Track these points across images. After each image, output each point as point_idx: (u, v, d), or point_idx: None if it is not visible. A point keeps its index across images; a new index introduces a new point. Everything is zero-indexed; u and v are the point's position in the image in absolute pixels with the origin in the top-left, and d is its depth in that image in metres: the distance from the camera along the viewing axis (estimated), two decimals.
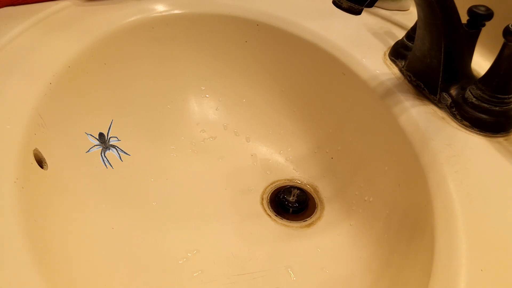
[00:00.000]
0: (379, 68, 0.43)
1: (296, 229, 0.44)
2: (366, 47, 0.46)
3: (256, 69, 0.53)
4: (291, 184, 0.49)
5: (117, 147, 0.44)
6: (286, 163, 0.51)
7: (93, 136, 0.41)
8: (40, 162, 0.35)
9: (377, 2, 0.32)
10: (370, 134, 0.43)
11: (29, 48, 0.41)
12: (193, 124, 0.54)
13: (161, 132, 0.51)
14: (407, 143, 0.36)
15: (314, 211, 0.46)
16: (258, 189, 0.49)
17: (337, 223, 0.44)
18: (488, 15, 0.34)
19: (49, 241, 0.30)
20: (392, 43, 0.45)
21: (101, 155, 0.42)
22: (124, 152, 0.44)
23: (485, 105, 0.34)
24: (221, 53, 0.53)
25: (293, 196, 0.47)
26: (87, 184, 0.40)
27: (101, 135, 0.42)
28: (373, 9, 0.51)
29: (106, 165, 0.42)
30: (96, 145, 0.41)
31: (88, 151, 0.40)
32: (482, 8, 0.34)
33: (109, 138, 0.43)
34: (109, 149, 0.43)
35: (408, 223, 0.35)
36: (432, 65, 0.37)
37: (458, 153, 0.33)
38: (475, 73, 0.38)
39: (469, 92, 0.35)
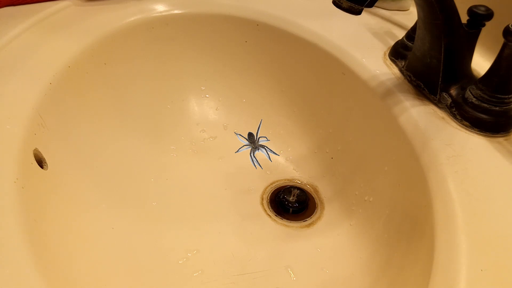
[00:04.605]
0: (379, 68, 0.43)
1: (296, 229, 0.44)
2: (366, 47, 0.46)
3: (256, 69, 0.53)
4: (291, 184, 0.49)
5: (266, 147, 0.44)
6: (286, 163, 0.51)
7: (243, 136, 0.41)
8: (40, 162, 0.35)
9: (377, 2, 0.32)
10: (370, 134, 0.43)
11: (29, 48, 0.41)
12: (193, 124, 0.54)
13: (161, 132, 0.51)
14: (407, 143, 0.36)
15: (314, 211, 0.46)
16: (258, 189, 0.49)
17: (337, 223, 0.44)
18: (488, 15, 0.34)
19: (49, 241, 0.30)
20: (392, 43, 0.45)
21: (250, 155, 0.42)
22: (274, 152, 0.44)
23: (485, 105, 0.34)
24: (221, 53, 0.53)
25: (293, 196, 0.47)
26: (87, 184, 0.40)
27: (250, 135, 0.42)
28: (373, 9, 0.51)
29: (255, 166, 0.42)
30: (245, 145, 0.41)
31: (237, 151, 0.40)
32: (482, 8, 0.34)
33: (258, 138, 0.43)
34: (258, 149, 0.43)
35: (408, 223, 0.35)
36: (432, 65, 0.37)
37: (458, 153, 0.33)
38: (475, 73, 0.38)
39: (469, 92, 0.35)
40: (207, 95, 0.55)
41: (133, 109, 0.49)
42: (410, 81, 0.40)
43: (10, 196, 0.29)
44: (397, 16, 0.51)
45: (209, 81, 0.54)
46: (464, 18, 0.35)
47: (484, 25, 0.35)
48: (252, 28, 0.51)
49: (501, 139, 0.35)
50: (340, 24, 0.49)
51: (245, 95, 0.54)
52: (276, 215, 0.46)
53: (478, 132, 0.35)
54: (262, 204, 0.47)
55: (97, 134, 0.44)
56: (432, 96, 0.38)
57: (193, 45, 0.52)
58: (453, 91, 0.37)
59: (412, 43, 0.40)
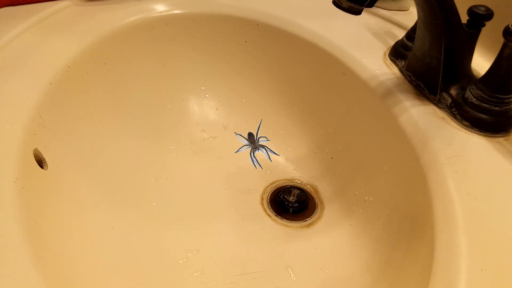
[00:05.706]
0: (379, 68, 0.43)
1: (296, 229, 0.44)
2: (366, 47, 0.46)
3: (256, 69, 0.53)
4: (291, 184, 0.49)
5: (266, 147, 0.44)
6: (286, 163, 0.51)
7: (243, 136, 0.41)
8: (40, 162, 0.35)
9: (377, 2, 0.32)
10: (370, 134, 0.43)
11: (29, 48, 0.41)
12: (193, 124, 0.54)
13: (161, 132, 0.51)
14: (407, 143, 0.36)
15: (314, 211, 0.46)
16: (258, 189, 0.49)
17: (337, 223, 0.44)
18: (488, 15, 0.34)
19: (49, 241, 0.30)
20: (392, 43, 0.45)
21: (250, 155, 0.42)
22: (273, 152, 0.44)
23: (485, 105, 0.34)
24: (221, 53, 0.53)
25: (293, 196, 0.47)
26: (87, 184, 0.40)
27: (250, 135, 0.42)
28: (373, 9, 0.51)
29: (255, 166, 0.42)
30: (245, 145, 0.41)
31: (237, 151, 0.40)
32: (482, 8, 0.34)
33: (258, 138, 0.43)
34: (258, 149, 0.43)
35: (408, 223, 0.35)
36: (432, 65, 0.37)
37: (458, 153, 0.33)
38: (475, 73, 0.38)
39: (469, 92, 0.35)
40: (207, 95, 0.55)
41: (133, 109, 0.49)
42: (410, 81, 0.40)
43: (10, 196, 0.29)
44: (397, 16, 0.51)
45: (209, 81, 0.54)
46: (464, 18, 0.35)
47: (484, 25, 0.35)
48: (252, 28, 0.51)
49: (501, 139, 0.35)
50: (340, 24, 0.49)
51: (245, 95, 0.54)
52: (276, 215, 0.46)
53: (478, 132, 0.35)
54: (262, 204, 0.47)
55: (97, 134, 0.44)
56: (432, 96, 0.38)
57: (193, 45, 0.52)
58: (453, 91, 0.37)
59: (412, 43, 0.40)
